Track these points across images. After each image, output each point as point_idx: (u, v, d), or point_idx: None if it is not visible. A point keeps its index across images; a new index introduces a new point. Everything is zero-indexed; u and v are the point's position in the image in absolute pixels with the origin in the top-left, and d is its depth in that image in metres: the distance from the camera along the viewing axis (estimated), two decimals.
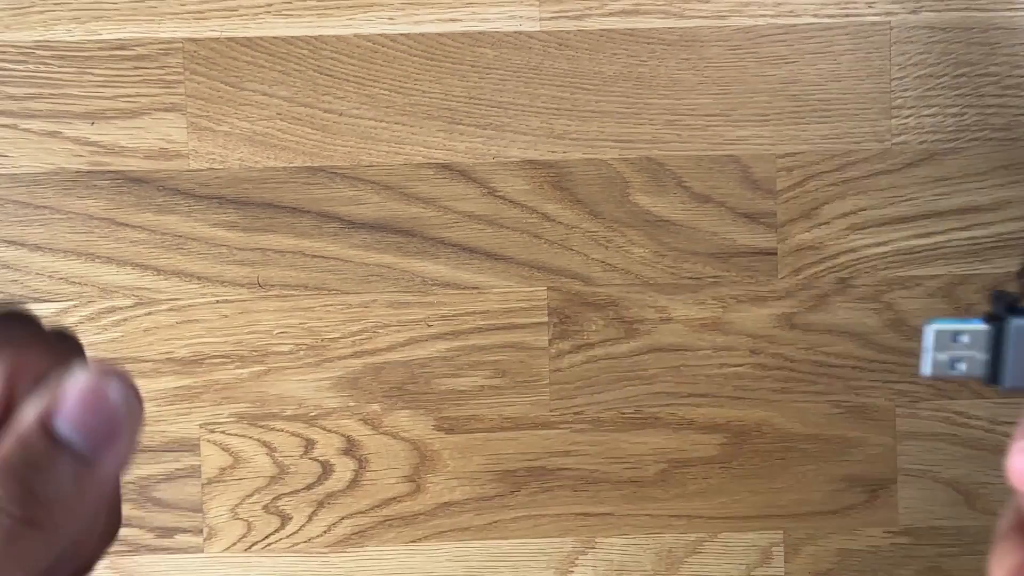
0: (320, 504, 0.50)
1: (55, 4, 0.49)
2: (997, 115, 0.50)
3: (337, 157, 0.50)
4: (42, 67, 0.49)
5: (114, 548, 0.50)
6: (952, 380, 0.26)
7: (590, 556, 0.51)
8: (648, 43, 0.50)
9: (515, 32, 0.50)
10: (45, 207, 0.49)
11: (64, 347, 0.25)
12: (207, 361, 0.50)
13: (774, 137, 0.50)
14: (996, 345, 0.26)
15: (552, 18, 0.49)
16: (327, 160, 0.50)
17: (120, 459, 0.23)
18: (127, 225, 0.49)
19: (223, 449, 0.50)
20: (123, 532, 0.50)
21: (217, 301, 0.50)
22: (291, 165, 0.49)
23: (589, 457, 0.51)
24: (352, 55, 0.49)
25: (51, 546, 0.23)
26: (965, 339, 0.26)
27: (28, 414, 0.23)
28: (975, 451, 0.51)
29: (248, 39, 0.49)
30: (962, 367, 0.26)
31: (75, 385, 0.23)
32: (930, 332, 0.26)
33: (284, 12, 0.49)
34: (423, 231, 0.50)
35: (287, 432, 0.50)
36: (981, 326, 0.26)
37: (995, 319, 0.26)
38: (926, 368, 0.26)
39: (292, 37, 0.49)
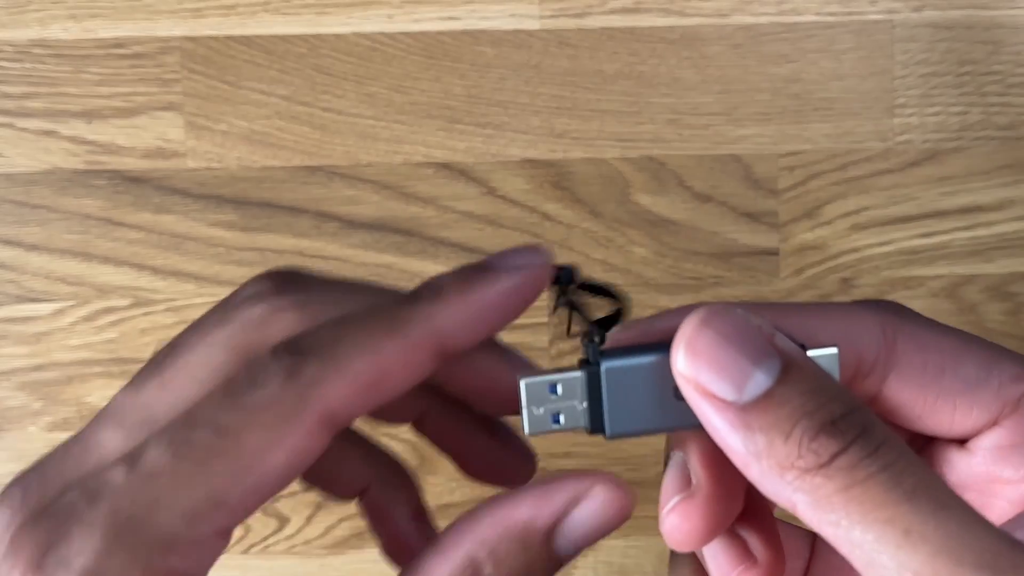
0: (319, 506, 0.50)
1: (52, 2, 0.48)
2: (1001, 114, 0.50)
3: (336, 156, 0.49)
4: (38, 65, 0.49)
5: None
6: (559, 433, 0.24)
7: (591, 558, 0.51)
8: (649, 41, 0.50)
9: (515, 30, 0.49)
10: (41, 206, 0.49)
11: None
12: None
13: (776, 136, 0.50)
14: (593, 392, 0.24)
15: (552, 16, 0.49)
16: (326, 159, 0.49)
17: None
18: (124, 225, 0.49)
19: None
20: None
21: (215, 301, 0.49)
22: (289, 164, 0.49)
23: (590, 459, 0.50)
24: (351, 53, 0.49)
25: None
26: (560, 389, 0.24)
27: (538, 518, 0.23)
28: None
29: (246, 37, 0.49)
30: (562, 419, 0.24)
31: (587, 510, 0.24)
32: (522, 387, 0.24)
33: (282, 10, 0.49)
34: (422, 231, 0.49)
35: None
36: (574, 374, 0.24)
37: (589, 364, 0.24)
38: (524, 426, 0.24)
39: (290, 35, 0.49)
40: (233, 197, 0.49)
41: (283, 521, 0.50)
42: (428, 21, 0.49)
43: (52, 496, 0.23)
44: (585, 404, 0.24)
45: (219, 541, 0.23)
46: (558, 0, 0.49)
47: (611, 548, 0.50)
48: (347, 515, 0.50)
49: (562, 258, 0.50)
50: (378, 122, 0.49)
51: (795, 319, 0.26)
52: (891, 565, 0.21)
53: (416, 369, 0.23)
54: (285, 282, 0.25)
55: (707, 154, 0.50)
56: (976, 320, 0.51)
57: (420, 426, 0.29)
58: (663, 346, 0.24)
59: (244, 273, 0.49)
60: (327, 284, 0.26)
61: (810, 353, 0.24)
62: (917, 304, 0.50)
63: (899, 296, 0.50)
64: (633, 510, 0.24)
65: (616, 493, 0.24)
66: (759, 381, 0.22)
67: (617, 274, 0.50)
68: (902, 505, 0.21)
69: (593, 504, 0.24)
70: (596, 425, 0.24)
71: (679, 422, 0.24)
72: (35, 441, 0.49)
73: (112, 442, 0.24)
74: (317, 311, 0.24)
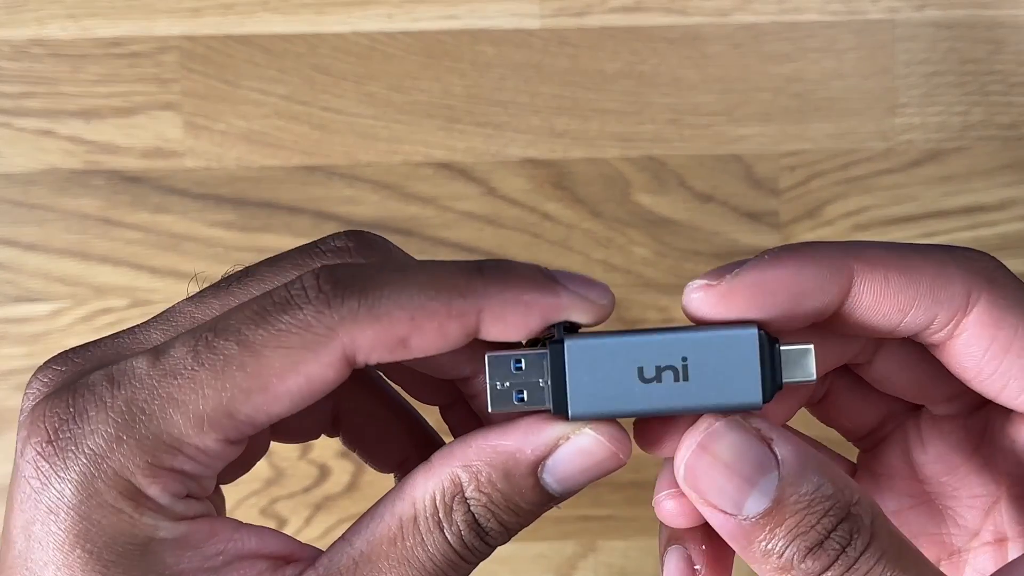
0: (318, 507, 0.50)
1: (49, 1, 0.48)
2: (1003, 113, 0.50)
3: (335, 156, 0.49)
4: (36, 65, 0.48)
5: None
6: (523, 412, 0.24)
7: (591, 559, 0.50)
8: (650, 41, 0.49)
9: (515, 30, 0.49)
10: (39, 206, 0.49)
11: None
12: None
13: (777, 135, 0.50)
14: (557, 371, 0.24)
15: (553, 15, 0.49)
16: (325, 159, 0.49)
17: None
18: (122, 225, 0.49)
19: None
20: None
21: None
22: (288, 164, 0.49)
23: None
24: (350, 53, 0.49)
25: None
26: (524, 365, 0.24)
27: (526, 449, 0.24)
28: None
29: (245, 36, 0.49)
30: (525, 396, 0.24)
31: (575, 446, 0.24)
32: (487, 360, 0.24)
33: (281, 9, 0.49)
34: (422, 231, 0.49)
35: None
36: (537, 351, 0.24)
37: (555, 342, 0.24)
38: (488, 403, 0.24)
39: (289, 35, 0.49)
40: (232, 197, 0.49)
41: (282, 522, 0.50)
42: (428, 20, 0.49)
43: (84, 373, 0.24)
44: (548, 382, 0.24)
45: (226, 449, 0.23)
46: None
47: (612, 549, 0.50)
48: (346, 516, 0.50)
49: (563, 257, 0.49)
50: (377, 121, 0.49)
51: (881, 270, 0.25)
52: None
53: (449, 338, 0.23)
54: (368, 246, 0.26)
55: (708, 154, 0.50)
56: None
57: (445, 413, 0.30)
58: (633, 332, 0.24)
59: None
60: (408, 258, 0.26)
61: (783, 348, 0.24)
62: None
63: None
64: (628, 459, 0.24)
65: (609, 436, 0.24)
66: (756, 502, 0.23)
67: (617, 274, 0.50)
68: None
69: (582, 442, 0.24)
70: (559, 406, 0.24)
71: (645, 406, 0.24)
72: None
73: (159, 342, 0.24)
74: None
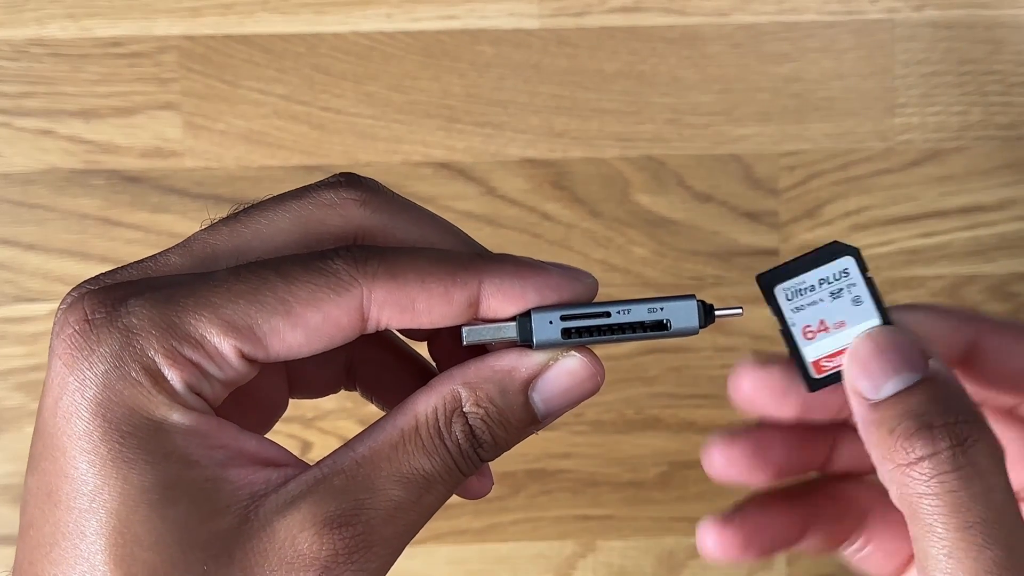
0: None
1: (49, 1, 0.48)
2: (1002, 113, 0.50)
3: (334, 156, 0.49)
4: (36, 64, 0.49)
5: None
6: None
7: (590, 559, 0.50)
8: (649, 40, 0.49)
9: (514, 30, 0.49)
10: (39, 206, 0.49)
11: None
12: None
13: (776, 135, 0.50)
14: (523, 319, 0.27)
15: (552, 15, 0.49)
16: (324, 159, 0.49)
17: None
18: (122, 224, 0.49)
19: None
20: None
21: None
22: (288, 164, 0.49)
23: (589, 459, 0.50)
24: (349, 53, 0.49)
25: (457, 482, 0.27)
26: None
27: (520, 368, 0.27)
28: None
29: (244, 36, 0.49)
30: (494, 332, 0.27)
31: (563, 367, 0.27)
32: (464, 333, 0.27)
33: (280, 9, 0.49)
34: None
35: (284, 434, 0.49)
36: (509, 324, 0.27)
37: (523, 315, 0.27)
38: (462, 337, 0.27)
39: (289, 34, 0.49)
40: (231, 196, 0.49)
41: None
42: (427, 20, 0.49)
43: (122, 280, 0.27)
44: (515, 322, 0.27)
45: (239, 362, 0.25)
46: None
47: (611, 549, 0.50)
48: None
49: (562, 257, 0.49)
50: (377, 121, 0.49)
51: (995, 340, 0.30)
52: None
53: (453, 305, 0.26)
54: (359, 181, 0.30)
55: (707, 154, 0.50)
56: None
57: (432, 347, 0.32)
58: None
59: None
60: (393, 194, 0.30)
61: (717, 312, 0.28)
62: None
63: (900, 296, 0.50)
64: (602, 383, 0.28)
65: (591, 359, 0.27)
66: (892, 386, 0.27)
67: (617, 274, 0.50)
68: (952, 533, 0.25)
69: (568, 363, 0.27)
70: (525, 335, 0.27)
71: (597, 333, 0.27)
72: None
73: (177, 263, 0.27)
74: (377, 207, 0.29)
